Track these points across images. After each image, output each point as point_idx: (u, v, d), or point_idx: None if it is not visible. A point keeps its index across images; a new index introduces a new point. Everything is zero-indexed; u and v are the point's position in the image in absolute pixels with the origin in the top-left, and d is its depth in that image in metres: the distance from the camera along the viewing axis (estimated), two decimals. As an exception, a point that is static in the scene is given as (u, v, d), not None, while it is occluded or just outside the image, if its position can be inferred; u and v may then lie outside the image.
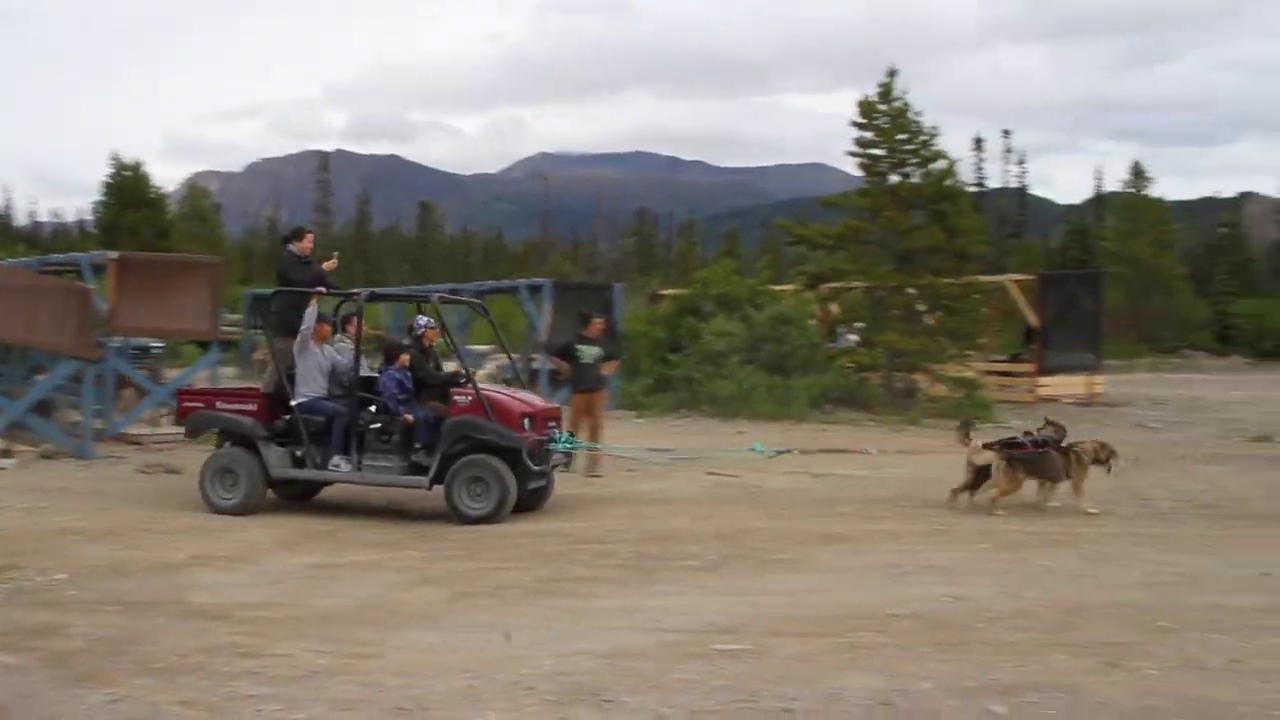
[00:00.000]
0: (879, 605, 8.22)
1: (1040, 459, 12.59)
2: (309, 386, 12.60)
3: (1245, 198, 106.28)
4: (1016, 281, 29.98)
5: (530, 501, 12.66)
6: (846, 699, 6.04)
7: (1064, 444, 12.78)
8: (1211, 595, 8.58)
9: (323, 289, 12.91)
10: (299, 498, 13.40)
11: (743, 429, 21.13)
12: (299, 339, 12.55)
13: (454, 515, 12.04)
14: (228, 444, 12.92)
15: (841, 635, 7.35)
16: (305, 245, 13.45)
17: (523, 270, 65.83)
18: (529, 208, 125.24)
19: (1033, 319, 28.02)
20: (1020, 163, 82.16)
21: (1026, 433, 13.24)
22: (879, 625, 7.61)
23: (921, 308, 25.32)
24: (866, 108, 25.69)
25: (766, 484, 14.56)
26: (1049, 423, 13.20)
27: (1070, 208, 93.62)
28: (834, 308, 28.32)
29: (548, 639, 7.30)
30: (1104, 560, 10.09)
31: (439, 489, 12.26)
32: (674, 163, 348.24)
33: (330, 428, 12.52)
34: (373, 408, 12.55)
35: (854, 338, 26.99)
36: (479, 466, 12.11)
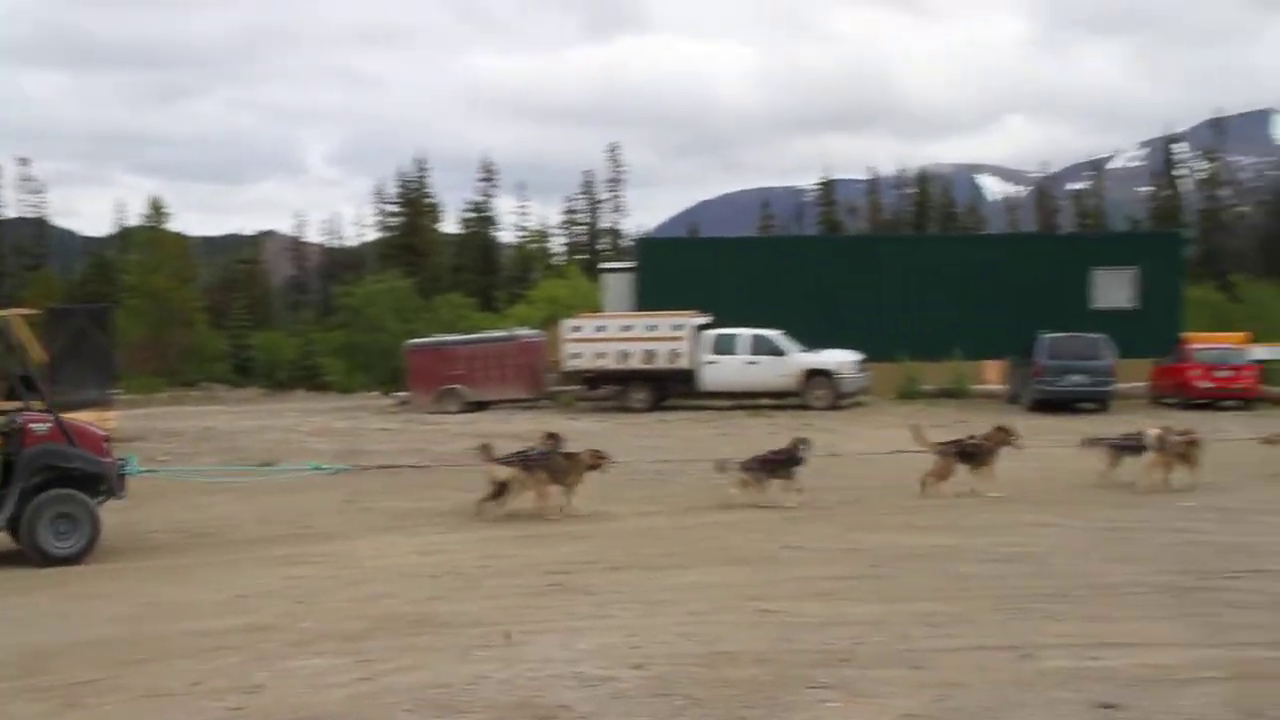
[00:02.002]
0: None
1: (552, 463, 13.98)
2: None
3: (266, 235, 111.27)
4: (23, 315, 28.55)
5: None
6: None
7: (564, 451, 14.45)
8: (190, 622, 8.77)
9: None
10: None
11: None
12: None
13: (35, 558, 10.61)
14: None
15: None
16: None
17: None
18: None
19: (40, 354, 26.81)
20: (39, 192, 78.82)
21: (531, 447, 14.84)
22: None
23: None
24: None
25: None
26: (548, 435, 15.08)
27: (94, 240, 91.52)
28: None
29: None
30: (86, 599, 9.91)
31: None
32: None
33: None
34: None
35: None
36: (66, 501, 10.95)
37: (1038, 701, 6.18)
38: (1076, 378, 29.22)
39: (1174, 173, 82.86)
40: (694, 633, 7.73)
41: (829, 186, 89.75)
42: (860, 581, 9.55)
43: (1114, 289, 36.45)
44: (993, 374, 34.12)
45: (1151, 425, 16.45)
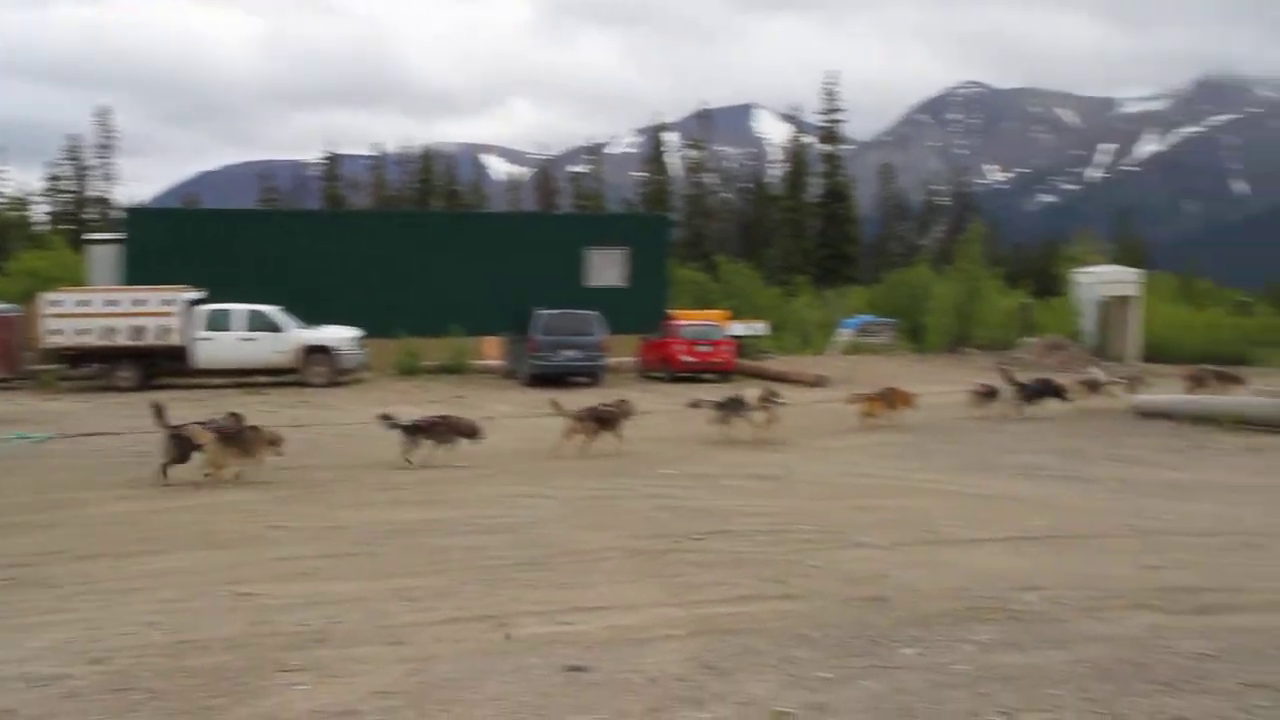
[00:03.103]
0: None
1: (244, 435, 14.01)
2: None
3: None
4: None
5: None
6: None
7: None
8: None
9: None
10: None
11: None
12: None
13: None
14: None
15: None
16: None
17: None
18: None
19: None
20: None
21: (211, 419, 14.78)
22: None
23: None
24: None
25: None
26: (231, 414, 15.15)
27: None
28: None
29: None
30: None
31: None
32: None
33: None
34: None
35: None
36: None
37: (509, 668, 6.34)
38: (570, 353, 30.29)
39: (664, 160, 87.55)
40: (162, 622, 7.37)
41: (333, 161, 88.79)
42: (342, 560, 9.44)
43: (606, 268, 38.16)
44: (491, 350, 34.81)
45: (751, 389, 19.57)
